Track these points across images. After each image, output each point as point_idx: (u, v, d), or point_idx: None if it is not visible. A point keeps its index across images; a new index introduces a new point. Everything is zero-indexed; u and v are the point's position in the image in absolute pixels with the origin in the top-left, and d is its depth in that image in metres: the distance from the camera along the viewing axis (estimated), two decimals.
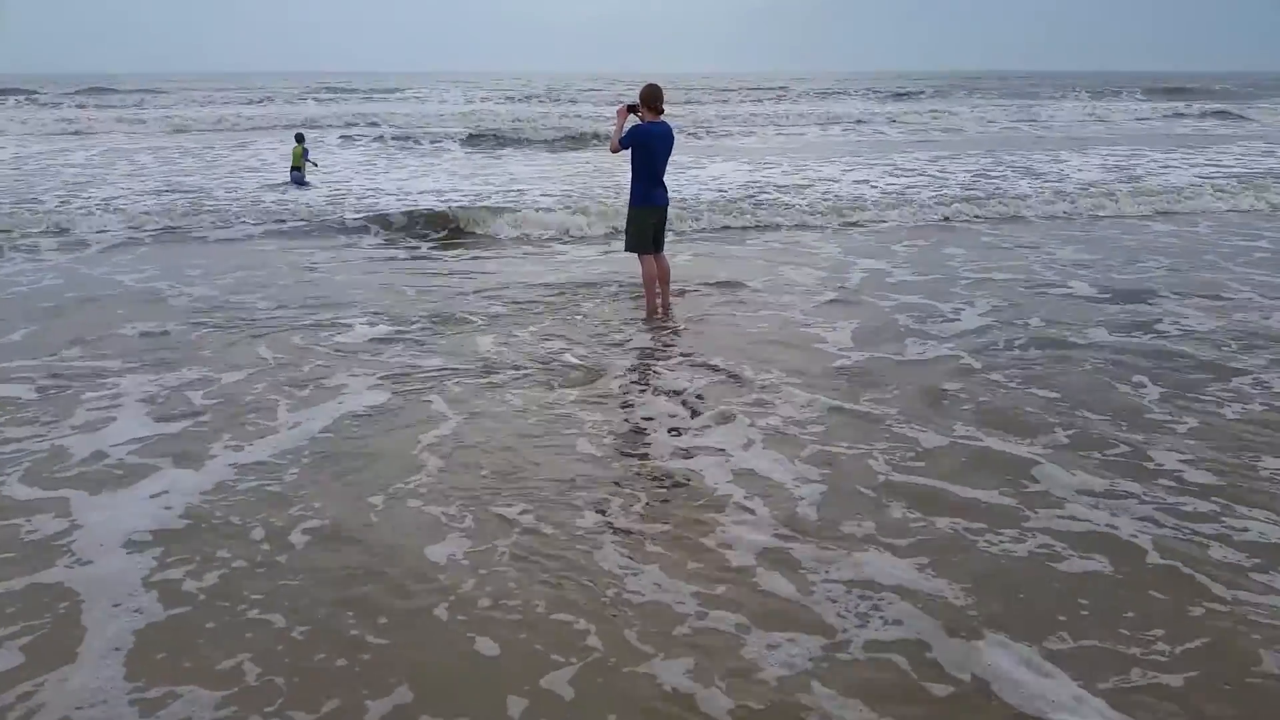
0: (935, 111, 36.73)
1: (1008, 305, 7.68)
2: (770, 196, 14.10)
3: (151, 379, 5.73)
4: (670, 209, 7.46)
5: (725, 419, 5.08)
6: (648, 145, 6.90)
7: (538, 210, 12.16)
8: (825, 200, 13.60)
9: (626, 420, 5.12)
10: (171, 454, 4.60)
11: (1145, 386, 5.59)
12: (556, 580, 3.47)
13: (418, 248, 10.57)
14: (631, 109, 6.99)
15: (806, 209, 12.80)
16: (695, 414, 5.19)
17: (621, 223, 8.11)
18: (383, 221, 11.58)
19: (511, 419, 5.10)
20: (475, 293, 8.17)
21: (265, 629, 3.18)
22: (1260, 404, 5.26)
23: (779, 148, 23.60)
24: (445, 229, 11.35)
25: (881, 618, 3.21)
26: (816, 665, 2.96)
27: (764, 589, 3.40)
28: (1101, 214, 12.93)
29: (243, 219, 11.87)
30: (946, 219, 12.38)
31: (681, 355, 6.32)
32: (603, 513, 4.00)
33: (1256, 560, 3.58)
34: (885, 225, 11.91)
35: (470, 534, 3.81)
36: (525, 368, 5.99)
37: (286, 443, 4.74)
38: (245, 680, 2.91)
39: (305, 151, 15.72)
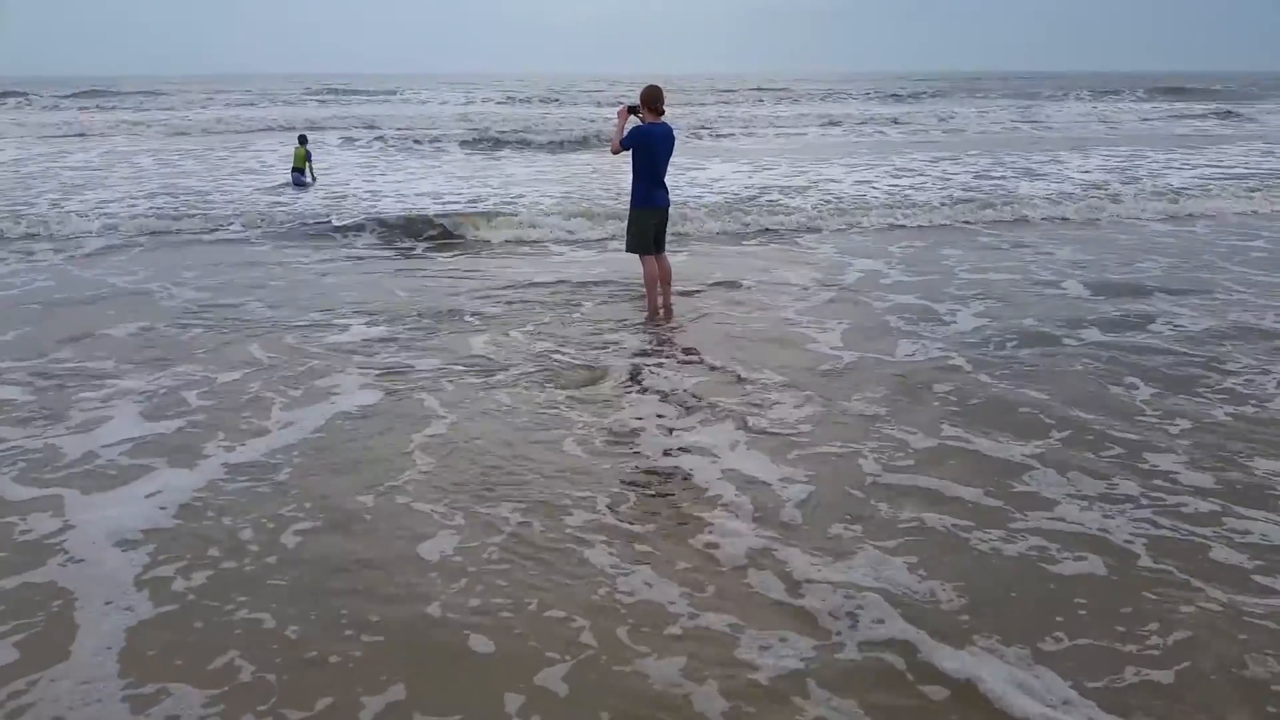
0: (937, 113, 36.73)
1: (1002, 305, 7.69)
2: (770, 198, 14.10)
3: (144, 379, 5.74)
4: (670, 210, 7.47)
5: (716, 419, 5.09)
6: (649, 146, 6.91)
7: (536, 214, 12.17)
8: (827, 201, 13.60)
9: (618, 419, 5.13)
10: (164, 453, 4.62)
11: (1138, 387, 5.59)
12: (548, 579, 3.48)
13: (413, 249, 10.58)
14: (632, 110, 7.00)
15: (805, 209, 12.81)
16: (686, 414, 5.20)
17: (619, 226, 8.13)
18: (378, 224, 11.58)
19: (504, 418, 5.12)
20: (470, 294, 8.18)
21: (257, 627, 3.19)
22: (1253, 406, 5.25)
23: (779, 149, 23.63)
24: (440, 231, 11.34)
25: (872, 618, 3.21)
26: (809, 665, 2.97)
27: (755, 589, 3.41)
28: (1102, 215, 12.90)
29: (238, 221, 11.88)
30: (946, 220, 12.36)
31: (674, 355, 6.34)
32: (594, 512, 4.00)
33: (1258, 562, 3.58)
34: (884, 226, 11.91)
35: (462, 532, 3.82)
36: (519, 367, 6.00)
37: (279, 442, 4.76)
38: (238, 678, 2.92)
39: (308, 154, 15.77)
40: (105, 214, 12.31)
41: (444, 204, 13.57)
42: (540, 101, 47.55)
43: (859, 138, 27.52)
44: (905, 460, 4.54)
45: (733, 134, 28.19)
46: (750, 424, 5.01)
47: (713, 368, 6.02)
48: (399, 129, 27.27)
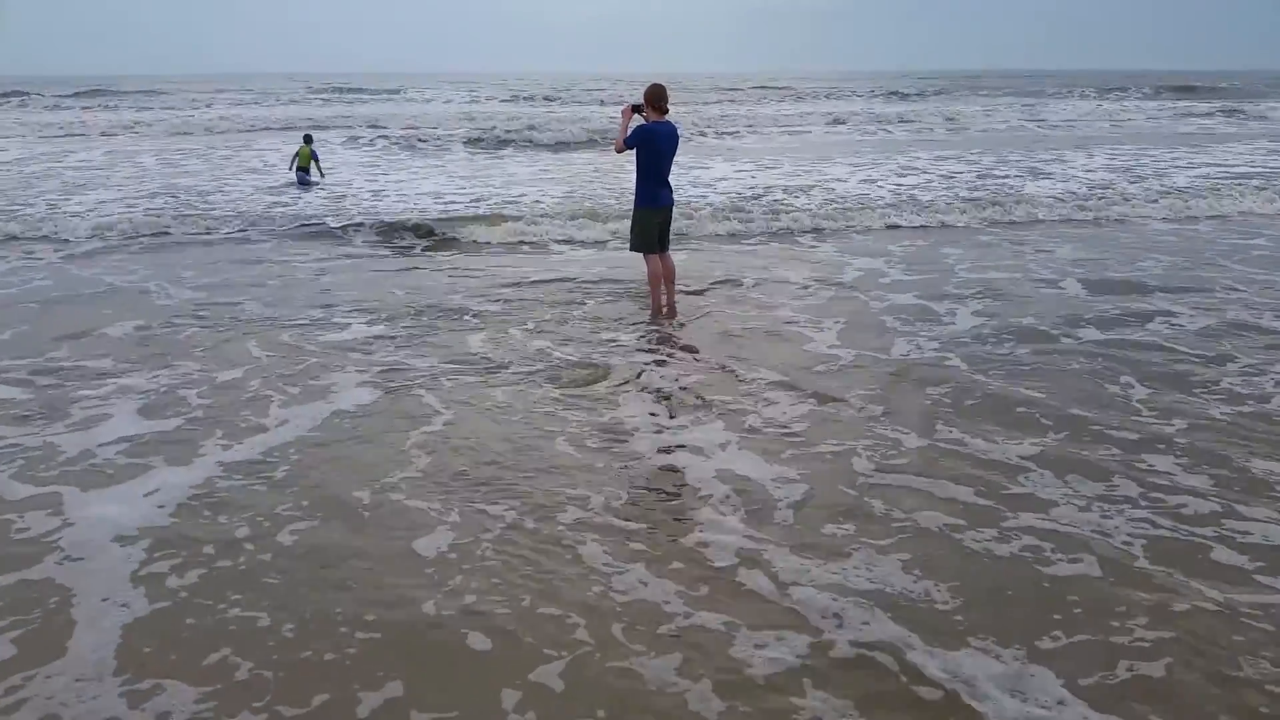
0: (941, 110, 36.66)
1: (1001, 304, 7.68)
2: (773, 197, 14.10)
3: (142, 377, 5.77)
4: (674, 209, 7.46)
5: (712, 417, 5.10)
6: (653, 145, 6.92)
7: (538, 213, 12.16)
8: (829, 201, 13.59)
9: (615, 417, 5.14)
10: (162, 451, 4.64)
11: (1134, 387, 5.59)
12: (544, 577, 3.49)
13: (412, 248, 10.57)
14: (636, 109, 7.00)
15: (807, 209, 12.80)
16: (682, 412, 5.21)
17: (621, 225, 8.12)
18: (378, 223, 11.57)
19: (502, 416, 5.13)
20: (469, 292, 8.20)
21: (254, 624, 3.21)
22: (1250, 405, 5.24)
23: (781, 147, 23.61)
24: (440, 233, 11.32)
25: (865, 618, 3.21)
26: (804, 664, 2.98)
27: (749, 587, 3.42)
28: (1109, 212, 12.83)
29: (238, 221, 11.90)
30: (949, 219, 12.34)
31: (672, 353, 6.35)
32: (590, 510, 4.02)
33: (1259, 563, 3.58)
34: (886, 225, 11.89)
35: (458, 529, 3.84)
36: (518, 365, 6.02)
37: (276, 440, 4.78)
38: (235, 675, 2.94)
39: (314, 153, 15.80)
40: (105, 213, 12.35)
41: (445, 204, 13.59)
42: (544, 99, 47.58)
43: (862, 136, 27.49)
44: (900, 459, 4.54)
45: (736, 132, 28.17)
46: (745, 423, 5.01)
47: (710, 366, 6.03)
48: (401, 128, 27.27)
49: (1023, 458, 4.54)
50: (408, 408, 5.26)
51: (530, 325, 7.03)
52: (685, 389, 5.61)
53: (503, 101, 46.20)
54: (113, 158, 20.16)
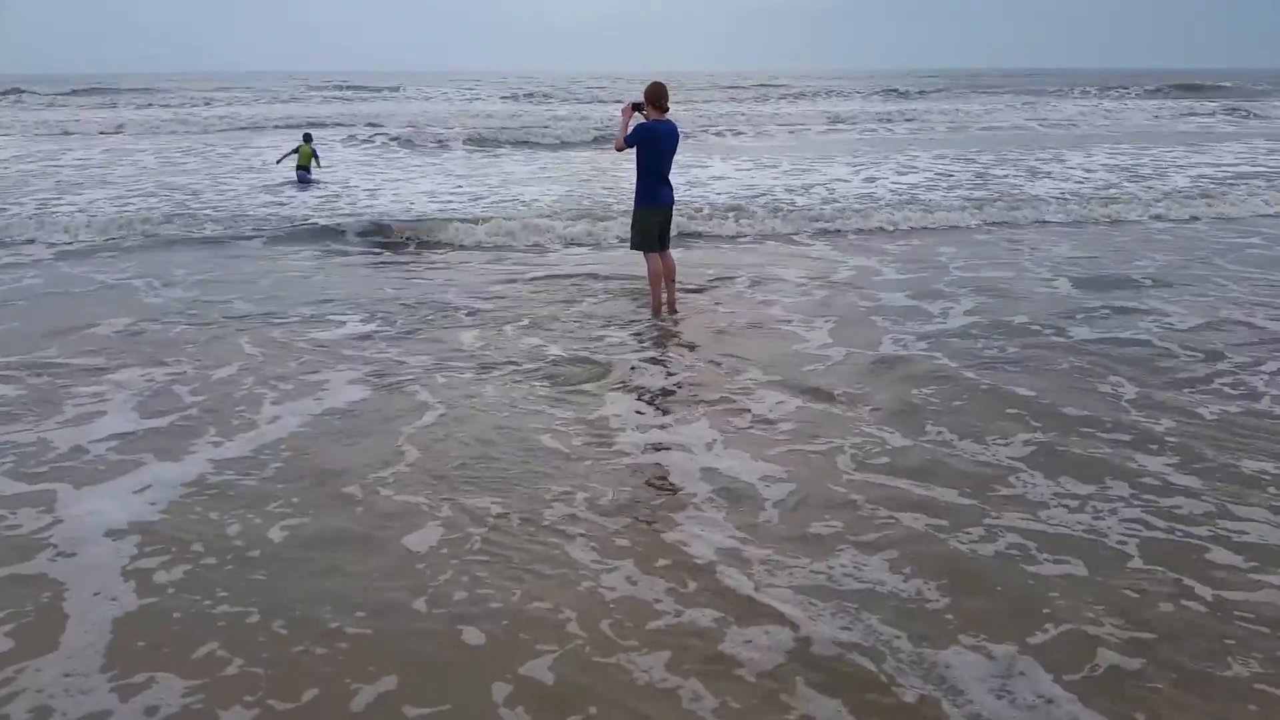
0: (942, 109, 36.63)
1: (993, 303, 7.69)
2: (771, 196, 14.10)
3: (135, 374, 5.79)
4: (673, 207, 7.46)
5: (700, 415, 5.11)
6: (653, 143, 6.92)
7: (534, 214, 12.13)
8: (828, 201, 13.60)
9: (606, 415, 5.16)
10: (154, 448, 4.66)
11: (1123, 386, 5.60)
12: (534, 572, 3.51)
13: (405, 246, 10.54)
14: (636, 107, 7.01)
15: (806, 207, 12.80)
16: (672, 409, 5.23)
17: (620, 223, 8.12)
18: (372, 222, 11.52)
19: (491, 414, 5.15)
20: (462, 290, 8.20)
21: (244, 619, 3.23)
22: (1238, 405, 5.24)
23: (781, 145, 23.61)
24: (434, 230, 11.30)
25: (853, 616, 3.22)
26: (792, 661, 2.99)
27: (736, 585, 3.43)
28: (1111, 211, 12.82)
29: (232, 220, 11.87)
30: (947, 219, 12.34)
31: (664, 351, 6.37)
32: (581, 507, 4.03)
33: (1254, 562, 3.58)
34: (882, 224, 11.89)
35: (449, 525, 3.86)
36: (508, 364, 6.03)
37: (268, 436, 4.80)
38: (226, 669, 2.96)
39: (314, 151, 15.85)
40: (99, 211, 12.34)
41: (442, 203, 13.58)
42: (544, 97, 47.56)
43: (862, 134, 27.47)
44: (888, 457, 4.55)
45: (736, 130, 28.15)
46: (734, 420, 5.03)
47: (700, 364, 6.05)
48: (400, 128, 27.25)
49: (1012, 457, 4.55)
50: (399, 405, 5.27)
51: (524, 322, 7.05)
52: (677, 386, 5.63)
53: (502, 99, 46.16)
54: (110, 156, 20.16)
